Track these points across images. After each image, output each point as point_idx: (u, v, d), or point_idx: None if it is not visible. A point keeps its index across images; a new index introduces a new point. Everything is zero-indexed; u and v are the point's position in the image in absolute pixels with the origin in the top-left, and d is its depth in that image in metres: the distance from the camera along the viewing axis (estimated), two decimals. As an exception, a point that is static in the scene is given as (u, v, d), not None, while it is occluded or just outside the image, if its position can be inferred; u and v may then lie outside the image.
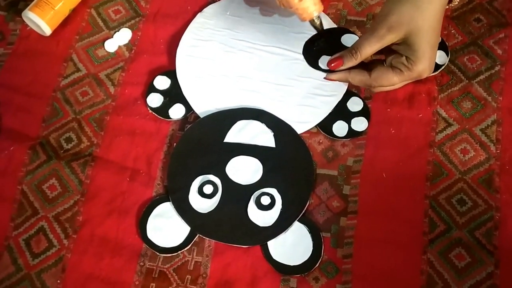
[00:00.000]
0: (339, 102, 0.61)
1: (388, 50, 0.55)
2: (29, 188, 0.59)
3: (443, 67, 0.62)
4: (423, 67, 0.53)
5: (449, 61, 0.62)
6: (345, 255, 0.55)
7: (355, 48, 0.54)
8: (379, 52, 0.54)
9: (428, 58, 0.53)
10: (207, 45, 0.65)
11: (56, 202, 0.59)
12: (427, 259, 0.54)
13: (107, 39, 0.67)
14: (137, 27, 0.68)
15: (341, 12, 0.67)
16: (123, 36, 0.67)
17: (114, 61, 0.66)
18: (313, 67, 0.58)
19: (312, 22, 0.58)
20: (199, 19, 0.67)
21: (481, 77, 0.62)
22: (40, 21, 0.65)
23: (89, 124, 0.62)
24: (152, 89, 0.63)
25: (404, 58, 0.53)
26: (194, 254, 0.56)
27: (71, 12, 0.68)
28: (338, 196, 0.57)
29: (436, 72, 0.62)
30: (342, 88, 0.62)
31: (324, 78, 0.57)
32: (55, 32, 0.67)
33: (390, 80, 0.54)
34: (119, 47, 0.67)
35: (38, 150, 0.61)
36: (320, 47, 0.58)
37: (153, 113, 0.62)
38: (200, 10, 0.67)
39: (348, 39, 0.58)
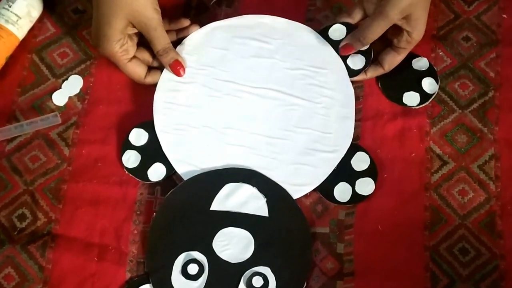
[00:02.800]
0: (342, 159, 0.55)
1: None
2: (-18, 280, 0.52)
3: (433, 97, 0.57)
4: (420, 35, 0.55)
5: (439, 88, 0.57)
6: (345, 326, 0.50)
7: (363, 35, 0.55)
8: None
9: (423, 23, 0.54)
10: (189, 88, 0.57)
11: (15, 295, 0.52)
12: (432, 320, 0.50)
13: (54, 89, 0.59)
14: (88, 72, 0.60)
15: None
16: (73, 84, 0.59)
17: (65, 116, 0.58)
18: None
19: None
20: None
21: (475, 105, 0.57)
22: (-27, 76, 0.56)
23: (44, 196, 0.55)
24: (127, 145, 0.55)
25: (404, 33, 0.54)
26: None
27: (8, 59, 0.59)
28: (331, 256, 0.52)
29: (427, 103, 0.57)
30: (346, 142, 0.55)
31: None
32: (-7, 85, 0.59)
33: (399, 61, 0.57)
34: (70, 98, 0.58)
35: (-13, 235, 0.53)
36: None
37: (130, 174, 0.55)
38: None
39: (334, 33, 0.58)
